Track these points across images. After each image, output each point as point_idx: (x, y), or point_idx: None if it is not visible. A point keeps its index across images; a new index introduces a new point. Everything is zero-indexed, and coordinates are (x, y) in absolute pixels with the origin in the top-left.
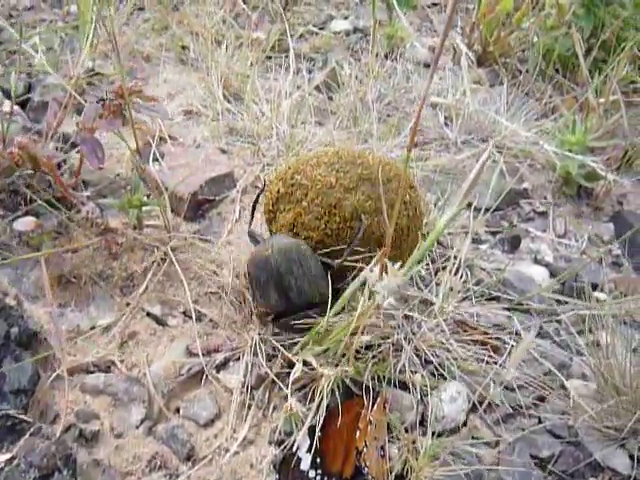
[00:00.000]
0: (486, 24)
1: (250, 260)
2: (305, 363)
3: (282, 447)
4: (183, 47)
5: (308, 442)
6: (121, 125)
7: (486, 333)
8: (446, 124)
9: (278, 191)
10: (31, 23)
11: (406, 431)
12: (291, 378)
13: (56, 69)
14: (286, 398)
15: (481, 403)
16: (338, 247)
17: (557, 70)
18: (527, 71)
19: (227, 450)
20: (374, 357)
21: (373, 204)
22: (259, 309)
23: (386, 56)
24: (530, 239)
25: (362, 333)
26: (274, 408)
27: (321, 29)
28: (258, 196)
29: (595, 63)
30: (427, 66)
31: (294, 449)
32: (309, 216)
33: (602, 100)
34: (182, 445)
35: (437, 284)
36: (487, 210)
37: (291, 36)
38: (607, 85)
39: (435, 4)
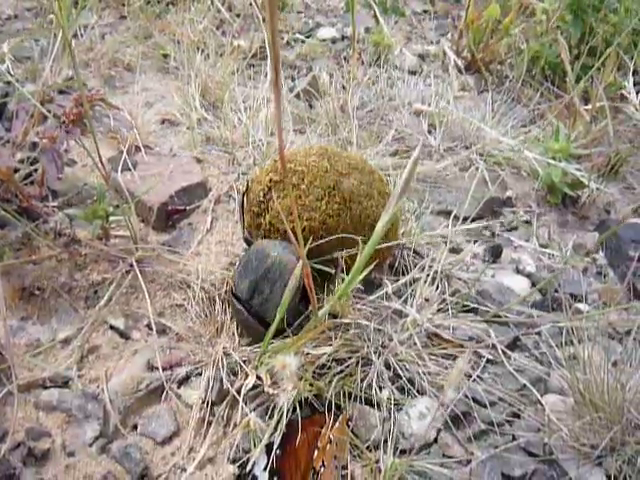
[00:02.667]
0: (474, 31)
1: (256, 245)
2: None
3: (239, 465)
4: (165, 55)
5: (265, 460)
6: (80, 134)
7: (461, 346)
8: (429, 131)
9: (270, 180)
10: (13, 33)
11: (369, 450)
12: (242, 392)
13: (34, 78)
14: (247, 414)
15: (452, 418)
16: (335, 235)
17: (546, 77)
18: (514, 78)
19: (184, 469)
20: (341, 372)
21: (366, 189)
22: (232, 287)
23: (371, 64)
24: (512, 249)
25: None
26: (235, 425)
27: (308, 37)
28: (244, 195)
29: (583, 70)
30: (413, 73)
31: (250, 467)
32: (310, 197)
33: (589, 107)
34: (136, 464)
35: (411, 295)
36: (467, 219)
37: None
38: (593, 91)
39: (425, 11)
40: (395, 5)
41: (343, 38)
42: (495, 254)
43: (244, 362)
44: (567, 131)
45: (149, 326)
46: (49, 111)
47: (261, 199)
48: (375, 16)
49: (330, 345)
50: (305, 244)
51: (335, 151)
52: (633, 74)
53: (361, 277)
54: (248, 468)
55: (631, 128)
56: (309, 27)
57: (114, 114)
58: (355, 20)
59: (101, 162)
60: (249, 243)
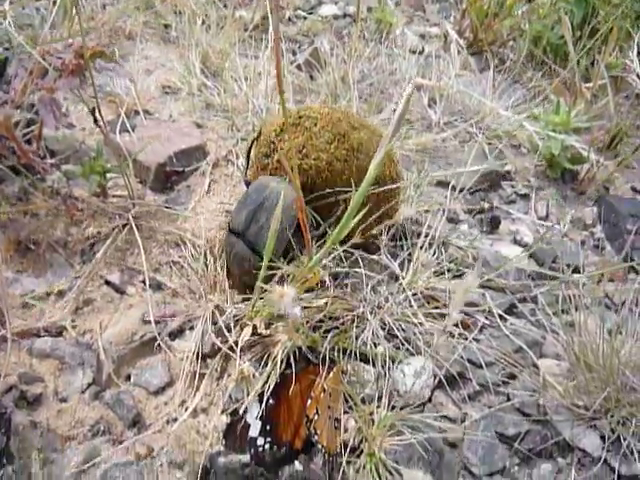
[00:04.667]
0: (476, 11)
1: (256, 181)
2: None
3: (231, 412)
4: (166, 25)
5: (258, 408)
6: (79, 84)
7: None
8: (429, 105)
9: (283, 123)
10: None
11: (364, 403)
12: (240, 341)
13: (35, 45)
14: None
15: (447, 379)
16: (336, 189)
17: (547, 58)
18: (514, 59)
19: (176, 418)
20: (336, 328)
21: (375, 145)
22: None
23: (373, 41)
24: (510, 221)
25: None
26: (229, 377)
27: (310, 13)
28: (253, 141)
29: (585, 50)
30: (415, 52)
31: (243, 414)
32: (320, 139)
33: (590, 85)
34: (128, 411)
35: (408, 260)
36: (466, 191)
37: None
38: (595, 70)
39: None
40: None
41: (345, 16)
42: (493, 225)
43: (237, 317)
44: (567, 107)
45: (144, 282)
46: (49, 64)
47: (272, 139)
48: None
49: (326, 297)
50: (310, 182)
51: (348, 110)
52: (638, 46)
53: (356, 220)
54: (241, 415)
55: (632, 101)
56: (311, 4)
57: (113, 74)
58: None
59: (101, 116)
60: (249, 184)
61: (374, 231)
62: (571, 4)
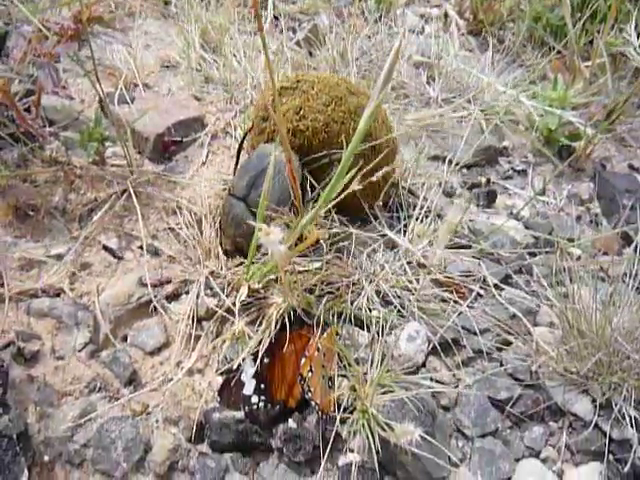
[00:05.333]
0: None
1: (258, 148)
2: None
3: (226, 370)
4: (165, 2)
5: (253, 368)
6: (77, 48)
7: (452, 279)
8: (428, 83)
9: (281, 87)
10: None
11: (357, 364)
12: (237, 301)
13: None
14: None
15: (442, 345)
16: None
17: (547, 38)
18: (514, 40)
19: (171, 378)
20: (331, 293)
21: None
22: (229, 189)
23: (374, 20)
24: (507, 196)
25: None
26: (224, 341)
27: None
28: (245, 135)
29: (585, 30)
30: (415, 32)
31: (238, 372)
32: (317, 101)
33: (589, 63)
34: (124, 369)
35: (404, 231)
36: (464, 166)
37: None
38: (594, 49)
39: None
40: None
41: None
42: (490, 199)
43: (232, 281)
44: (565, 85)
45: (142, 247)
46: (48, 29)
47: (269, 103)
48: None
49: (321, 260)
50: (307, 144)
51: (344, 78)
52: (636, 21)
53: (347, 177)
54: (235, 372)
55: (630, 79)
56: None
57: (112, 38)
58: None
59: (99, 83)
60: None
61: (373, 178)
62: None
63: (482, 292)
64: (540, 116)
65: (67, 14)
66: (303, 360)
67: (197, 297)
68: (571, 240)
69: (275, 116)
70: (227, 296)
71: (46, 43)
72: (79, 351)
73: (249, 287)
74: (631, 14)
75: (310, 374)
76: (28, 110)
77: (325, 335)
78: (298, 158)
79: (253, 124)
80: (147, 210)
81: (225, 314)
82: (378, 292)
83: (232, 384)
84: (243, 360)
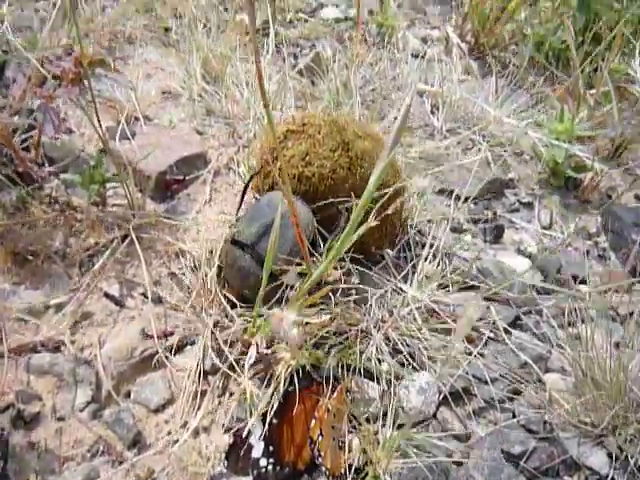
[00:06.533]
0: (478, 15)
1: (270, 195)
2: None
3: (233, 432)
4: (166, 29)
5: (261, 429)
6: (79, 93)
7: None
8: (432, 112)
9: (286, 130)
10: (14, 2)
11: (368, 422)
12: (247, 363)
13: (34, 48)
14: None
15: (452, 394)
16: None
17: (549, 63)
18: (516, 64)
19: (177, 439)
20: (340, 344)
21: (379, 155)
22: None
23: (375, 45)
24: (514, 230)
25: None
26: (230, 395)
27: (311, 16)
28: (252, 177)
29: (588, 55)
30: (416, 56)
31: (246, 435)
32: (324, 147)
33: (593, 91)
34: (128, 430)
35: (412, 272)
36: (469, 199)
37: (276, 20)
38: (598, 76)
39: None
40: None
41: (346, 19)
42: (497, 234)
43: (237, 333)
44: (570, 114)
45: (144, 294)
46: (48, 72)
47: (274, 147)
48: None
49: (330, 312)
50: (312, 191)
51: (352, 119)
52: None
53: (359, 233)
54: (243, 436)
55: (636, 108)
56: (312, 7)
57: (112, 82)
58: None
59: (100, 124)
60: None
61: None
62: (574, 9)
63: (491, 334)
64: (545, 146)
65: (67, 41)
66: (313, 422)
67: (202, 351)
68: (582, 281)
69: (280, 175)
70: (234, 350)
71: (46, 85)
72: (81, 411)
73: (257, 347)
74: (634, 47)
75: (320, 438)
76: (27, 149)
77: (335, 394)
78: (310, 210)
79: (262, 167)
80: (149, 254)
81: (231, 373)
82: (387, 339)
83: (239, 446)
84: (251, 424)
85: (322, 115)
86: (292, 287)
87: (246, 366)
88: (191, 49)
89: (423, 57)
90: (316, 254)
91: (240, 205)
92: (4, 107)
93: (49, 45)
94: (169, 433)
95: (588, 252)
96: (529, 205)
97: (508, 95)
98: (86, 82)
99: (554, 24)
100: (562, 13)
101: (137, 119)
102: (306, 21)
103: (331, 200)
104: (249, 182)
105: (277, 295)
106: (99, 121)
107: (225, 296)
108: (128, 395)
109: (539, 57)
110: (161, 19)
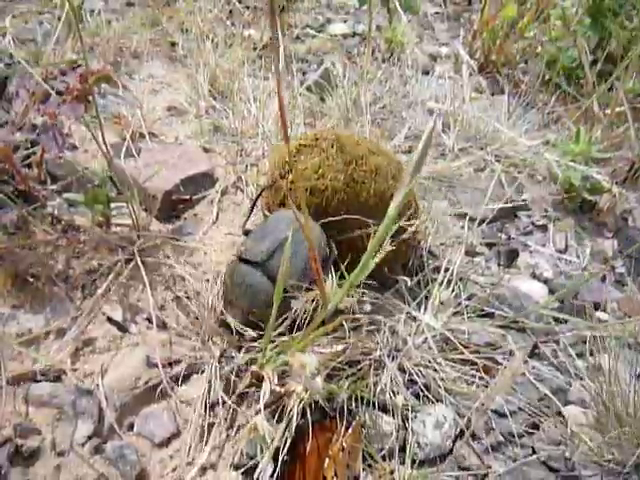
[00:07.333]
0: (489, 32)
1: (282, 211)
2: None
3: (243, 472)
4: (172, 44)
5: (272, 467)
6: (84, 111)
7: (477, 352)
8: (443, 131)
9: (299, 145)
10: (17, 14)
11: (384, 459)
12: (261, 401)
13: (37, 61)
14: (252, 417)
15: (469, 429)
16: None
17: (561, 80)
18: (529, 81)
19: (183, 477)
20: (353, 375)
21: (393, 171)
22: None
23: (384, 61)
24: (528, 253)
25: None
26: (239, 428)
27: (319, 32)
28: (263, 190)
29: (601, 74)
30: (426, 73)
31: (257, 474)
32: (337, 160)
33: (608, 111)
34: (131, 467)
35: (426, 297)
36: (483, 221)
37: (285, 36)
38: (613, 96)
39: (437, 13)
40: (411, 1)
41: (354, 35)
42: (511, 258)
43: (248, 362)
44: (585, 135)
45: (149, 320)
46: (52, 88)
47: (287, 160)
48: (389, 12)
49: (345, 343)
50: (325, 204)
51: (363, 137)
52: None
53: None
54: (255, 476)
55: None
56: (320, 22)
57: (118, 98)
58: (371, 10)
59: (104, 142)
60: (248, 234)
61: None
62: (586, 27)
63: (508, 364)
64: (559, 166)
65: (72, 56)
66: (327, 461)
67: (209, 383)
68: (597, 307)
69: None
70: (239, 381)
71: (50, 101)
72: (82, 445)
73: (270, 382)
74: None
75: (335, 478)
76: (30, 166)
77: (350, 432)
78: (323, 231)
79: (275, 181)
80: (154, 277)
81: (238, 408)
82: (401, 369)
83: None
84: (263, 465)
85: (334, 131)
86: (304, 311)
87: (261, 404)
88: (198, 64)
89: (432, 74)
90: (328, 275)
91: (248, 219)
92: (6, 122)
93: (53, 59)
94: (174, 469)
95: (604, 277)
96: (543, 228)
97: (520, 114)
98: (91, 98)
99: (565, 42)
100: (574, 31)
101: (143, 136)
102: (314, 37)
103: (344, 216)
104: (259, 195)
105: (287, 319)
106: (104, 138)
107: (228, 324)
108: (131, 427)
109: (552, 74)
110: (167, 33)
